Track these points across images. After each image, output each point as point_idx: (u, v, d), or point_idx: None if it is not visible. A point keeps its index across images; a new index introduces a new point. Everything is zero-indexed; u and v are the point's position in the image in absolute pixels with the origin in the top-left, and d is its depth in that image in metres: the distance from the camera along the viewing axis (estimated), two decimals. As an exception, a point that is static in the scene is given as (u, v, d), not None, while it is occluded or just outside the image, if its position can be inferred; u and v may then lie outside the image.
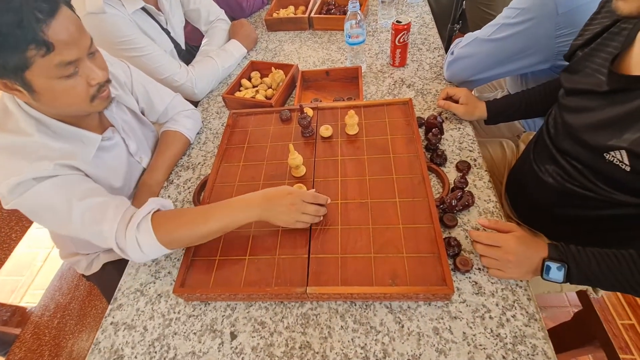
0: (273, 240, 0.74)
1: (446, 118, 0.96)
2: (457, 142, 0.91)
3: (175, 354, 0.66)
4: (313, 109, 0.98)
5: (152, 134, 1.01)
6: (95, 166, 0.77)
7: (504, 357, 0.58)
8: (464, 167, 0.83)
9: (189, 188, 0.94)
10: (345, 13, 1.38)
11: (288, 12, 1.49)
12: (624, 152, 0.59)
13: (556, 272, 0.61)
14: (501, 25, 0.90)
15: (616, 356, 0.87)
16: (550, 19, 0.82)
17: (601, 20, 0.71)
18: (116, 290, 0.77)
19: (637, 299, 1.01)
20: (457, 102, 0.94)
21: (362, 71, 1.13)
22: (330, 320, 0.66)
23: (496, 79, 1.07)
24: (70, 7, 0.63)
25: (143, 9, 1.10)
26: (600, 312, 0.92)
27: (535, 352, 0.58)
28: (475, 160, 0.85)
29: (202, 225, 0.69)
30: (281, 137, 0.95)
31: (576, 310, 1.05)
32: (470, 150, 0.88)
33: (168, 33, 1.22)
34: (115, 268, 0.97)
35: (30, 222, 1.12)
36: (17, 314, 1.14)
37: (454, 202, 0.73)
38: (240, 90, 1.18)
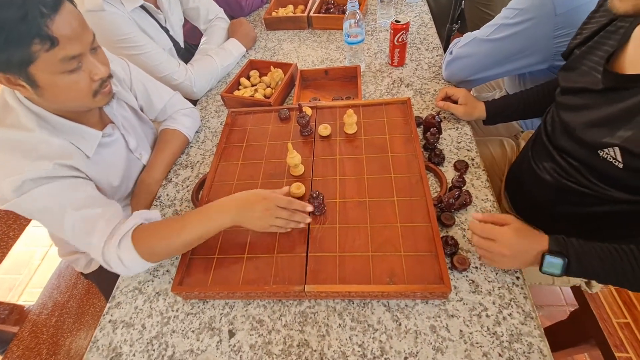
0: (271, 239, 0.75)
1: (444, 117, 0.97)
2: (455, 141, 0.91)
3: (174, 352, 0.66)
4: (312, 108, 0.98)
5: (151, 131, 1.01)
6: (95, 163, 0.77)
7: (500, 355, 0.58)
8: (461, 167, 0.83)
9: (187, 186, 0.94)
10: (344, 12, 1.38)
11: (287, 11, 1.49)
12: (617, 150, 0.60)
13: (555, 265, 0.61)
14: (500, 26, 0.91)
15: (611, 354, 0.87)
16: (549, 20, 0.82)
17: (599, 18, 0.71)
18: (114, 288, 0.77)
19: (632, 297, 1.02)
20: (456, 102, 0.94)
21: (361, 70, 1.13)
22: (328, 319, 0.66)
23: (494, 79, 1.07)
24: (72, 2, 0.63)
25: (142, 7, 1.10)
26: (596, 310, 0.92)
27: (531, 350, 0.58)
28: (473, 159, 0.86)
29: (177, 237, 0.68)
30: (280, 135, 0.95)
31: (572, 309, 1.06)
32: (468, 150, 0.88)
33: (167, 31, 1.22)
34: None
35: (28, 220, 1.12)
36: (15, 312, 1.14)
37: (451, 201, 0.74)
38: (239, 89, 1.18)
